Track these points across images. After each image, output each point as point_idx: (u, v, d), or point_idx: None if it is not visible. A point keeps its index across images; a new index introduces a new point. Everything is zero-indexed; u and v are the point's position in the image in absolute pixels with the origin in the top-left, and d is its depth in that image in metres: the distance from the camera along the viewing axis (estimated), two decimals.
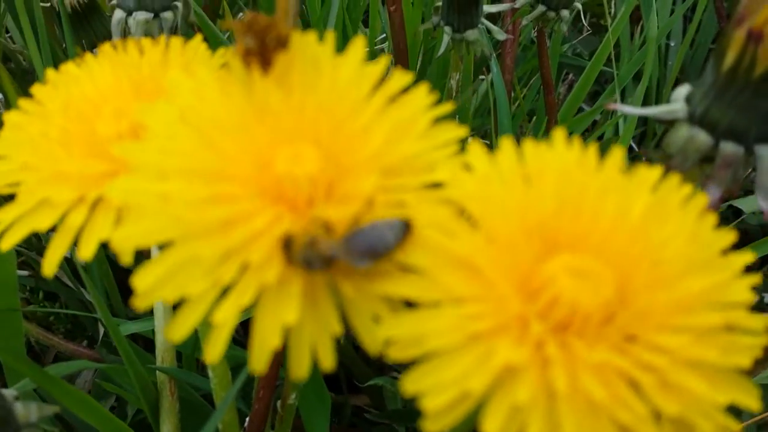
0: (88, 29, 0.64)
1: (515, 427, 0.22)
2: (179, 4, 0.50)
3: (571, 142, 0.27)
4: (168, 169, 0.25)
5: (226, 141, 0.26)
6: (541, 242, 0.25)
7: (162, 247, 0.26)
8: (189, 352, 0.60)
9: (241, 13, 1.08)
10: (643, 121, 1.11)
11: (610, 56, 0.91)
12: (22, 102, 0.34)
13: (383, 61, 0.28)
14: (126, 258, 0.29)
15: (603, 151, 0.28)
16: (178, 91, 0.27)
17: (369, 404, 0.83)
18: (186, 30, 0.79)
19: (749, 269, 0.25)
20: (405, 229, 0.24)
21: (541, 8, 0.63)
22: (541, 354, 0.23)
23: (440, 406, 0.22)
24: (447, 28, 0.56)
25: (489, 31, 0.58)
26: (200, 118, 0.26)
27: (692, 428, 0.23)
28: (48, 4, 0.68)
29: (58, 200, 0.29)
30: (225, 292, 0.25)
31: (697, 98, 0.34)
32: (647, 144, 1.05)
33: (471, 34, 0.56)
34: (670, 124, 0.35)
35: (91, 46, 0.64)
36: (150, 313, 0.71)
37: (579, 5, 0.65)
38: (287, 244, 0.24)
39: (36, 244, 0.76)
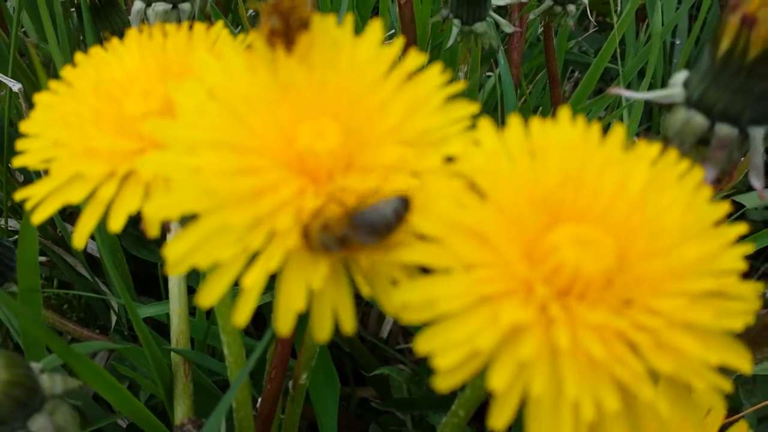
0: (105, 22, 0.65)
1: (521, 382, 0.24)
2: None
3: (576, 120, 0.28)
4: (198, 143, 0.27)
5: (253, 116, 0.28)
6: (546, 213, 0.26)
7: (183, 222, 0.28)
8: (201, 338, 0.62)
9: None
10: (648, 116, 1.12)
11: (615, 54, 0.92)
12: (53, 83, 0.35)
13: (398, 42, 0.30)
14: (153, 230, 0.31)
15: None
16: (206, 70, 0.29)
17: (375, 396, 0.84)
18: (202, 21, 0.80)
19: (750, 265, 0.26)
20: (404, 204, 0.26)
21: (548, 2, 0.64)
22: (545, 315, 0.24)
23: (451, 364, 0.24)
24: (456, 21, 0.58)
25: (497, 24, 0.60)
26: (228, 94, 0.28)
27: (686, 387, 0.24)
28: None
29: (91, 174, 0.31)
30: (252, 258, 0.27)
31: (694, 83, 0.36)
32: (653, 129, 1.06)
33: (479, 27, 0.58)
34: (668, 108, 0.37)
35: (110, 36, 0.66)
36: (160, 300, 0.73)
37: (585, 1, 0.67)
38: (306, 233, 0.26)
39: (51, 233, 0.77)
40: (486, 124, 0.28)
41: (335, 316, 0.27)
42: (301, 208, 0.27)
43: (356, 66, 0.29)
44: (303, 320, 0.50)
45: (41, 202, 0.32)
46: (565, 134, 0.28)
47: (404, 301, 0.25)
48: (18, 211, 0.75)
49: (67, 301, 0.76)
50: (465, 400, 0.40)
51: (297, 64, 0.29)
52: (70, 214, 0.83)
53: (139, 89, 0.33)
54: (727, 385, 0.24)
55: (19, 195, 0.32)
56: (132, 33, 0.36)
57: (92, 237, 0.78)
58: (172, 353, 0.53)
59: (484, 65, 0.93)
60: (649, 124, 1.12)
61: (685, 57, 1.06)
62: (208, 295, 0.27)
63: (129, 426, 0.66)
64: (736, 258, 0.26)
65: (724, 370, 0.25)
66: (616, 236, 0.26)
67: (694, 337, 0.24)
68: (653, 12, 1.07)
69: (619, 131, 0.28)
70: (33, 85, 0.68)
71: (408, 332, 0.92)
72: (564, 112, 0.29)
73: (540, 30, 1.12)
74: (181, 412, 0.51)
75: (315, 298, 0.27)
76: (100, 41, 0.65)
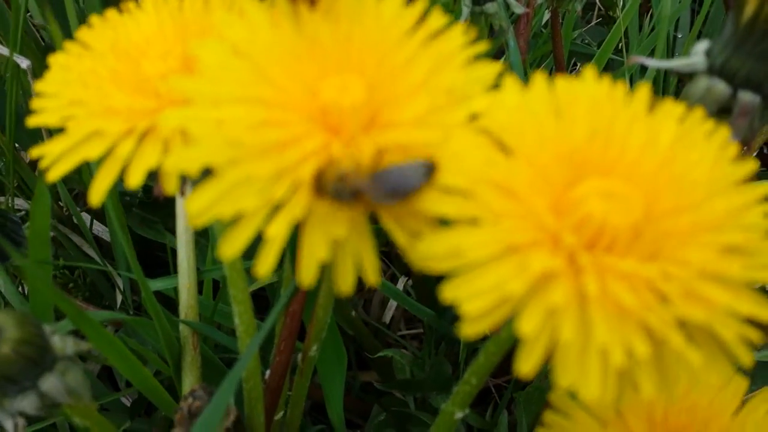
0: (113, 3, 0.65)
1: (549, 329, 0.23)
2: None
3: (601, 78, 0.28)
4: (222, 97, 0.27)
5: (277, 71, 0.27)
6: (573, 168, 0.26)
7: (195, 183, 0.27)
8: (209, 315, 0.62)
9: None
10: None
11: (618, 46, 0.92)
12: (68, 44, 0.35)
13: (421, 2, 0.30)
14: (171, 186, 0.30)
15: None
16: (228, 27, 0.29)
17: (377, 379, 0.84)
18: None
19: None
20: (430, 171, 0.26)
21: None
22: (574, 264, 0.24)
23: (479, 310, 0.24)
24: (467, 1, 0.58)
25: (507, 5, 0.60)
26: (252, 50, 0.28)
27: (715, 336, 0.24)
28: None
29: (109, 131, 0.30)
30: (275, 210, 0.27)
31: (716, 51, 0.36)
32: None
33: (490, 7, 0.58)
34: (689, 77, 0.37)
35: None
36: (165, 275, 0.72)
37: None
38: (319, 177, 0.26)
39: (57, 211, 0.77)
40: (511, 81, 0.28)
41: (358, 267, 0.27)
42: (325, 161, 0.26)
43: (381, 22, 0.29)
44: (313, 293, 0.50)
45: (58, 159, 0.31)
46: (590, 90, 0.28)
47: (429, 250, 0.25)
48: (24, 190, 0.75)
49: (73, 281, 0.75)
50: (478, 367, 0.39)
51: (321, 19, 0.29)
52: (76, 194, 0.83)
53: (157, 50, 0.33)
54: (756, 336, 0.24)
55: (35, 152, 0.32)
56: None
57: (98, 218, 0.78)
58: (180, 326, 0.53)
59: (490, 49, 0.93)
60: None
61: (686, 51, 1.06)
62: (231, 246, 0.26)
63: (133, 403, 0.66)
64: (760, 215, 0.26)
65: None
66: (644, 191, 0.26)
67: (724, 287, 0.24)
68: (658, 2, 1.07)
69: (644, 90, 0.28)
70: (40, 64, 0.67)
71: (410, 318, 0.92)
72: (589, 69, 0.28)
73: (544, 20, 1.12)
74: (189, 383, 0.51)
75: (338, 248, 0.26)
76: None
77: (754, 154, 0.95)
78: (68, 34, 0.68)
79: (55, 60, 0.35)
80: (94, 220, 0.77)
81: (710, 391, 0.33)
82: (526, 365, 0.23)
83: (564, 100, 0.28)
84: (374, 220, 0.28)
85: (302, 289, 0.49)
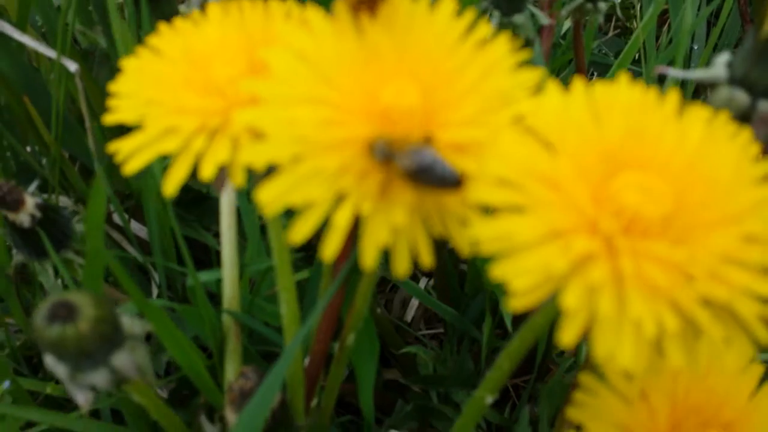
0: (158, 9, 0.69)
1: (589, 304, 0.26)
2: None
3: (635, 83, 0.31)
4: (292, 98, 0.30)
5: (340, 77, 0.31)
6: (610, 164, 0.29)
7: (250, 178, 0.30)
8: (245, 308, 0.65)
9: None
10: None
11: (636, 57, 0.95)
12: (140, 49, 0.38)
13: (470, 12, 0.33)
14: (240, 178, 0.33)
15: None
16: (295, 37, 0.32)
17: (400, 377, 0.87)
18: None
19: None
20: (458, 180, 0.29)
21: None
22: (611, 247, 0.27)
23: (526, 286, 0.27)
24: (496, 12, 0.61)
25: (533, 15, 0.63)
26: (318, 57, 0.31)
27: (734, 314, 0.27)
28: None
29: (184, 127, 0.34)
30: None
31: (737, 63, 0.38)
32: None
33: (518, 18, 0.61)
34: (711, 86, 0.39)
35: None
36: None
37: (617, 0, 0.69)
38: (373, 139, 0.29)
39: None
40: (553, 86, 0.31)
41: (414, 251, 0.30)
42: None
43: (434, 32, 0.32)
44: (351, 284, 0.53)
45: (134, 153, 0.35)
46: (625, 95, 0.31)
47: (480, 234, 0.28)
48: (66, 188, 0.78)
49: (110, 274, 0.79)
50: (511, 351, 0.42)
51: (380, 30, 0.32)
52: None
53: (224, 57, 0.36)
54: None
55: (111, 147, 0.35)
56: (213, 7, 0.39)
57: (137, 218, 0.81)
58: (223, 316, 0.56)
59: None
60: None
61: (703, 62, 1.09)
62: (299, 232, 0.30)
63: (171, 393, 0.69)
64: None
65: None
66: (674, 185, 0.29)
67: (745, 271, 0.27)
68: (676, 14, 1.10)
69: (674, 94, 0.31)
70: (84, 70, 0.71)
71: (429, 319, 0.95)
72: (623, 75, 0.31)
73: (563, 31, 1.15)
74: (231, 369, 0.54)
75: (396, 235, 0.29)
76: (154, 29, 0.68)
77: None
78: (111, 41, 0.72)
79: (128, 63, 0.38)
80: (132, 218, 0.81)
81: (728, 374, 0.36)
82: (567, 336, 0.26)
83: (601, 103, 0.31)
84: None
85: (341, 283, 0.52)
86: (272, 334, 0.58)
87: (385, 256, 0.31)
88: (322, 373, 0.56)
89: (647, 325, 0.25)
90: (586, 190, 0.28)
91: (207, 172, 0.33)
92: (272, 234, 0.45)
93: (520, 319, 0.69)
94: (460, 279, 0.82)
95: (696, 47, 1.23)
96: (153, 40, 0.39)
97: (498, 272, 0.27)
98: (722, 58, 0.40)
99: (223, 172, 0.34)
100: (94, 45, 0.89)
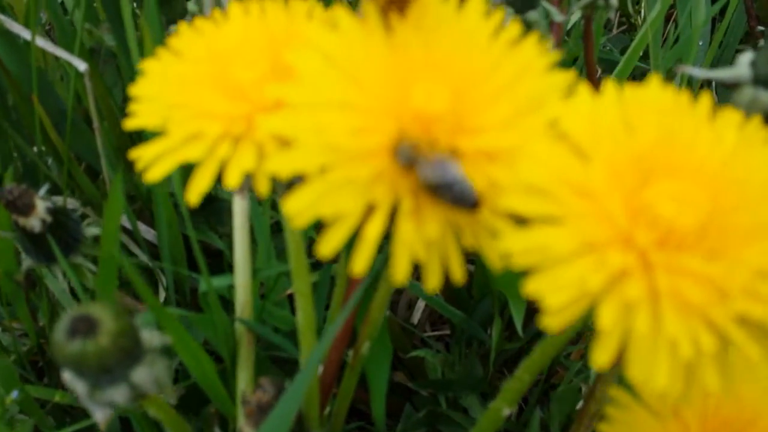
0: (167, 7, 0.68)
1: (624, 322, 0.26)
2: None
3: (666, 86, 0.31)
4: (320, 104, 0.30)
5: (369, 79, 0.30)
6: (643, 170, 0.29)
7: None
8: (256, 314, 0.65)
9: None
10: None
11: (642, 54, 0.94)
12: (160, 51, 0.38)
13: (499, 12, 0.32)
14: (264, 187, 0.33)
15: None
16: (322, 38, 0.31)
17: (407, 380, 0.86)
18: None
19: None
20: (474, 202, 0.28)
21: None
22: (646, 261, 0.27)
23: (560, 303, 0.26)
24: (509, 9, 0.60)
25: (548, 12, 0.62)
26: (347, 59, 0.30)
27: None
28: None
29: (209, 133, 0.33)
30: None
31: (761, 62, 0.38)
32: None
33: (532, 15, 0.60)
34: (735, 86, 0.39)
35: (169, 23, 0.69)
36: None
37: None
38: (400, 138, 0.29)
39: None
40: (584, 89, 0.30)
41: (445, 266, 0.29)
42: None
43: (464, 32, 0.31)
44: (367, 294, 0.53)
45: (158, 159, 0.34)
46: (657, 98, 0.30)
47: (512, 247, 0.27)
48: (73, 189, 0.78)
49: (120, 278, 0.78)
50: (531, 364, 0.42)
51: (409, 31, 0.31)
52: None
53: (246, 57, 0.35)
54: None
55: (133, 154, 0.35)
56: (234, 6, 0.39)
57: (142, 219, 0.81)
58: (236, 323, 0.55)
59: None
60: None
61: (709, 60, 1.09)
62: (329, 244, 0.29)
63: (181, 399, 0.69)
64: None
65: None
66: (709, 191, 0.28)
67: None
68: (683, 11, 1.10)
69: (706, 98, 0.31)
70: (92, 69, 0.70)
71: (434, 321, 0.94)
72: (655, 78, 0.31)
73: (568, 26, 1.15)
74: (243, 378, 0.54)
75: (428, 249, 0.29)
76: (163, 27, 0.67)
77: None
78: (122, 40, 0.71)
79: (148, 66, 0.37)
80: (139, 221, 0.80)
81: (760, 387, 0.36)
82: (602, 356, 0.26)
83: (633, 106, 0.30)
84: None
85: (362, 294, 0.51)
86: (284, 343, 0.58)
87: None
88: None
89: (683, 345, 0.25)
90: (619, 199, 0.28)
91: (233, 180, 0.33)
92: (289, 238, 0.44)
93: (528, 321, 0.68)
94: (467, 280, 0.81)
95: (701, 43, 1.23)
96: (173, 41, 0.38)
97: (532, 287, 0.26)
98: (746, 58, 0.39)
99: (245, 180, 0.34)
100: (99, 43, 0.88)
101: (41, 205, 0.56)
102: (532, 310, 0.65)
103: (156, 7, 0.62)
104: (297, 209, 0.29)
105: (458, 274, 0.29)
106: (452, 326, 0.86)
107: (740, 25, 1.21)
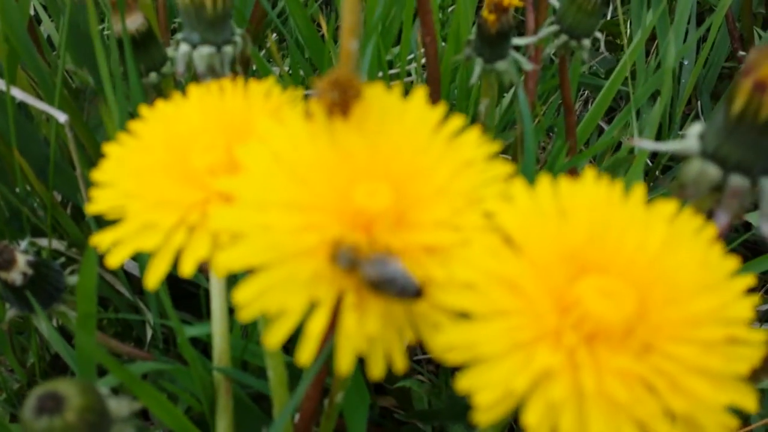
0: (145, 56, 0.69)
1: (550, 420, 0.27)
2: (238, 39, 0.55)
3: (600, 179, 0.32)
4: (267, 202, 0.31)
5: (314, 179, 0.31)
6: (573, 266, 0.30)
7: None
8: (238, 355, 0.66)
9: (274, 35, 1.14)
10: (658, 137, 1.15)
11: (626, 78, 0.96)
12: (122, 135, 0.39)
13: (441, 107, 0.33)
14: (221, 275, 0.34)
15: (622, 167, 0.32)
16: (271, 136, 0.33)
17: (395, 405, 0.88)
18: (242, 62, 0.85)
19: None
20: (417, 291, 0.29)
21: (563, 38, 0.68)
22: (573, 360, 0.28)
23: (489, 401, 0.27)
24: (479, 60, 0.61)
25: (517, 61, 0.63)
26: (292, 158, 0.32)
27: (698, 425, 0.27)
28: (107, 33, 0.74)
29: (163, 223, 0.34)
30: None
31: (709, 136, 0.39)
32: (660, 160, 1.09)
33: (501, 65, 0.61)
34: (684, 158, 0.40)
35: (148, 70, 0.70)
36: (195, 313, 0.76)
37: (599, 35, 0.70)
38: (337, 243, 0.30)
39: None
40: (520, 184, 0.32)
41: (388, 356, 0.30)
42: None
43: (405, 131, 0.33)
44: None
45: (114, 246, 0.35)
46: (590, 193, 0.31)
47: (446, 342, 0.29)
48: (59, 232, 0.79)
49: (106, 317, 0.80)
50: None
51: (352, 131, 0.32)
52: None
53: (203, 143, 0.37)
54: (733, 423, 0.27)
55: (93, 240, 0.36)
56: (193, 88, 0.40)
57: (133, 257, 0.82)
58: (214, 371, 0.56)
59: (500, 92, 0.96)
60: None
61: (693, 78, 1.10)
62: (274, 337, 0.30)
63: None
64: (745, 308, 0.29)
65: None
66: (637, 288, 0.29)
67: (706, 380, 0.27)
68: (664, 41, 1.11)
69: (639, 190, 0.32)
70: (75, 114, 0.72)
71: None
72: (589, 172, 0.32)
73: (553, 51, 1.16)
74: (222, 426, 0.55)
75: (371, 342, 0.30)
76: (141, 74, 0.69)
77: None
78: (97, 80, 0.73)
79: (110, 150, 0.39)
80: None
81: None
82: None
83: (567, 201, 0.31)
84: None
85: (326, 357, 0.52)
86: (263, 386, 0.59)
87: None
88: (313, 426, 0.57)
89: None
90: (548, 295, 0.29)
91: (187, 269, 0.34)
92: None
93: None
94: None
95: (686, 62, 1.24)
96: (134, 125, 0.39)
97: (464, 383, 0.28)
98: (695, 130, 0.40)
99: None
100: (85, 84, 0.89)
101: (22, 259, 0.57)
102: None
103: (131, 53, 0.63)
104: (244, 301, 0.30)
105: (400, 364, 0.30)
106: None
107: (724, 45, 1.22)
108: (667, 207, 0.31)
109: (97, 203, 0.37)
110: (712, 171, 0.38)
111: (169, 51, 0.70)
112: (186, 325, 0.64)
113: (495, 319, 0.29)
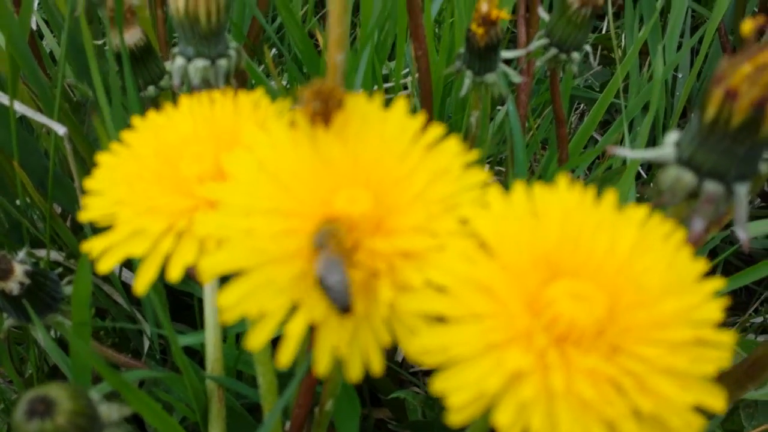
0: (143, 70, 0.71)
1: (522, 420, 0.28)
2: (233, 53, 0.57)
3: (573, 185, 0.33)
4: (251, 208, 0.32)
5: (296, 186, 0.32)
6: (545, 270, 0.31)
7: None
8: (231, 364, 0.67)
9: (273, 50, 1.16)
10: (652, 142, 1.16)
11: (619, 90, 0.97)
12: (114, 145, 0.40)
13: (420, 117, 0.34)
14: (206, 280, 0.35)
15: (612, 182, 0.33)
16: (256, 143, 0.34)
17: (390, 417, 0.88)
18: (237, 75, 0.86)
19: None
20: (344, 307, 0.30)
21: (553, 51, 0.69)
22: (543, 361, 0.29)
23: (462, 402, 0.28)
24: (468, 72, 0.62)
25: (506, 74, 0.64)
26: (276, 166, 0.33)
27: (665, 425, 0.28)
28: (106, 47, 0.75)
29: (152, 230, 0.35)
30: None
31: (684, 144, 0.40)
32: (655, 171, 1.10)
33: (490, 77, 0.62)
34: (661, 165, 0.41)
35: (146, 83, 0.72)
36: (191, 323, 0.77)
37: (588, 47, 0.71)
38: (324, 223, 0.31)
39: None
40: (495, 190, 0.33)
41: (365, 359, 0.31)
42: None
43: (385, 139, 0.34)
44: None
45: (105, 252, 0.36)
46: (563, 198, 0.32)
47: (422, 345, 0.30)
48: (57, 241, 0.80)
49: (103, 327, 0.80)
50: (475, 428, 0.44)
51: (334, 139, 0.33)
52: None
53: (192, 153, 0.38)
54: (699, 422, 0.28)
55: (85, 247, 0.37)
56: (184, 99, 0.41)
57: (128, 267, 0.83)
58: (207, 380, 0.57)
59: (493, 105, 0.98)
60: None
61: (687, 91, 1.11)
62: (255, 339, 0.31)
63: None
64: (713, 310, 0.30)
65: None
66: (607, 291, 0.30)
67: (673, 380, 0.28)
68: (655, 54, 1.12)
69: (610, 196, 0.33)
70: (75, 127, 0.73)
71: None
72: (563, 178, 0.33)
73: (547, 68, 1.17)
74: None
75: (348, 344, 0.31)
76: (139, 88, 0.70)
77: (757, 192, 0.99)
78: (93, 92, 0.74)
79: (102, 159, 0.40)
80: (123, 267, 0.82)
81: None
82: None
83: (541, 206, 0.32)
84: None
85: None
86: (257, 396, 0.60)
87: None
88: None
89: None
90: (520, 298, 0.30)
91: (174, 274, 0.35)
92: None
93: None
94: None
95: (680, 75, 1.25)
96: (126, 135, 0.41)
97: (437, 386, 0.28)
98: (671, 138, 0.41)
99: None
100: (85, 97, 0.91)
101: (19, 269, 0.58)
102: None
103: (129, 67, 0.64)
104: (227, 304, 0.31)
105: (377, 367, 0.31)
106: None
107: (717, 57, 1.24)
108: (637, 212, 0.32)
109: (90, 211, 0.38)
110: (688, 177, 0.39)
111: (167, 65, 0.72)
112: (180, 335, 0.65)
113: (468, 322, 0.29)
